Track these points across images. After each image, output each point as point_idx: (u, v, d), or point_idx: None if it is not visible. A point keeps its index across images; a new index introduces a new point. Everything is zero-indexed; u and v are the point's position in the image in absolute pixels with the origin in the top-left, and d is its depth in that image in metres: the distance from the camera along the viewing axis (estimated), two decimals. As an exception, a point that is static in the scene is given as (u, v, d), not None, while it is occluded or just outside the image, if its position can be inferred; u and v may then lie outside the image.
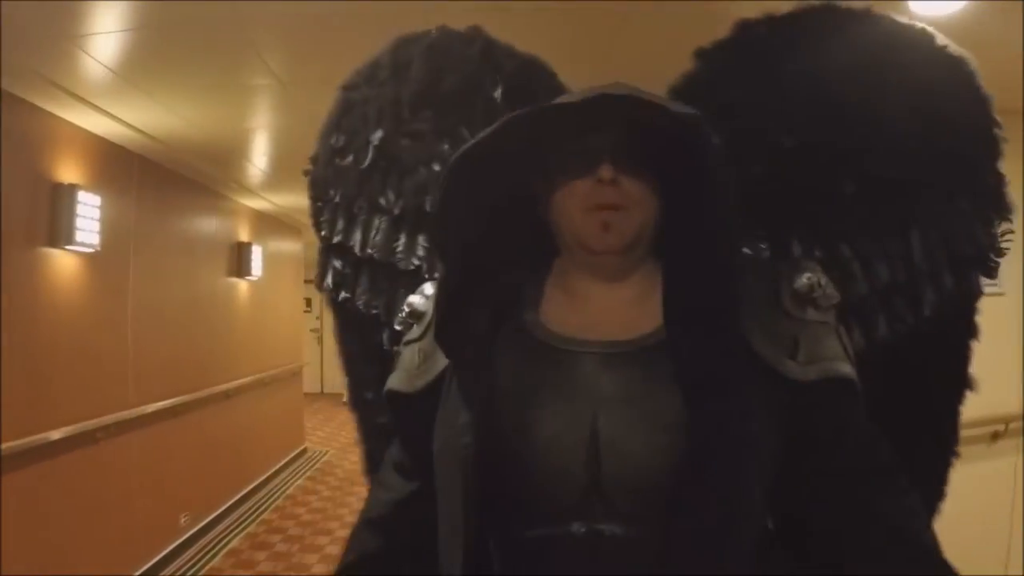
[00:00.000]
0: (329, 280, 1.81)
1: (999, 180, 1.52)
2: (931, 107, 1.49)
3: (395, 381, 1.50)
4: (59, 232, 4.49)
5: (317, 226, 1.82)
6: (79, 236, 4.59)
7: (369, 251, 1.74)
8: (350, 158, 1.77)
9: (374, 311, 1.75)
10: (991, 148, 1.51)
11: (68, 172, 4.64)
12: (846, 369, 1.33)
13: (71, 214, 4.53)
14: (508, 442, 1.29)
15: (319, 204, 1.82)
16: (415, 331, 1.51)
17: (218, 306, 7.15)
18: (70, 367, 4.68)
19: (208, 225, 6.92)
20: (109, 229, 5.01)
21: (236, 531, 6.73)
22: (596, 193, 1.29)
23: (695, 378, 1.25)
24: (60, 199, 4.51)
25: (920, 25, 1.53)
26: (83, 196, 4.64)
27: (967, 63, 1.51)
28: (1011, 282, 4.38)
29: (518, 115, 1.24)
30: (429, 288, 1.55)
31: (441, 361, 1.42)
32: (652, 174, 1.32)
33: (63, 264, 4.66)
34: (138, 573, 5.33)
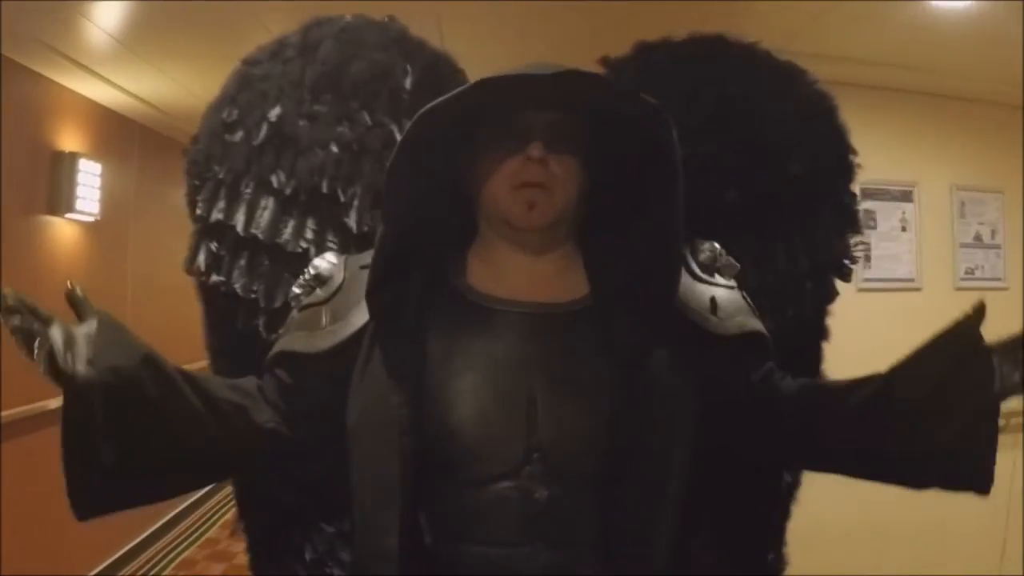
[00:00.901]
0: (201, 262, 1.73)
1: (852, 199, 1.83)
2: (799, 134, 1.74)
3: (292, 343, 1.45)
4: (59, 200, 4.46)
5: (192, 205, 1.76)
6: (79, 204, 4.57)
7: (253, 231, 1.68)
8: (240, 133, 1.70)
9: (252, 295, 1.69)
10: (847, 171, 1.81)
11: (69, 140, 4.60)
12: (758, 325, 1.48)
13: (72, 182, 4.51)
14: (441, 408, 1.31)
15: (196, 182, 1.76)
16: (319, 294, 1.48)
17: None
18: (68, 335, 4.61)
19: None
20: (109, 197, 4.98)
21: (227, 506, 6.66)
22: (523, 171, 1.33)
23: (625, 342, 1.33)
24: (61, 167, 4.48)
25: (794, 62, 1.81)
26: (84, 164, 4.61)
27: (829, 98, 1.80)
28: (1014, 277, 4.39)
29: (493, 78, 1.23)
30: (331, 256, 1.55)
31: (352, 325, 1.40)
32: (578, 155, 1.37)
33: (63, 232, 4.64)
34: (143, 536, 5.37)
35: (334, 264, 1.52)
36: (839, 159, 1.80)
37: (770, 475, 1.69)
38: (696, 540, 1.48)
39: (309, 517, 1.61)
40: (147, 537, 5.72)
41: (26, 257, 4.26)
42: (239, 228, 1.68)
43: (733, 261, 1.54)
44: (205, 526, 6.47)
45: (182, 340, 5.85)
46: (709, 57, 1.79)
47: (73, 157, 4.54)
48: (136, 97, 4.88)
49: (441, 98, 1.25)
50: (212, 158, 1.72)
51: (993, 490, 1.24)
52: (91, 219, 4.80)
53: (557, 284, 1.41)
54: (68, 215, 4.56)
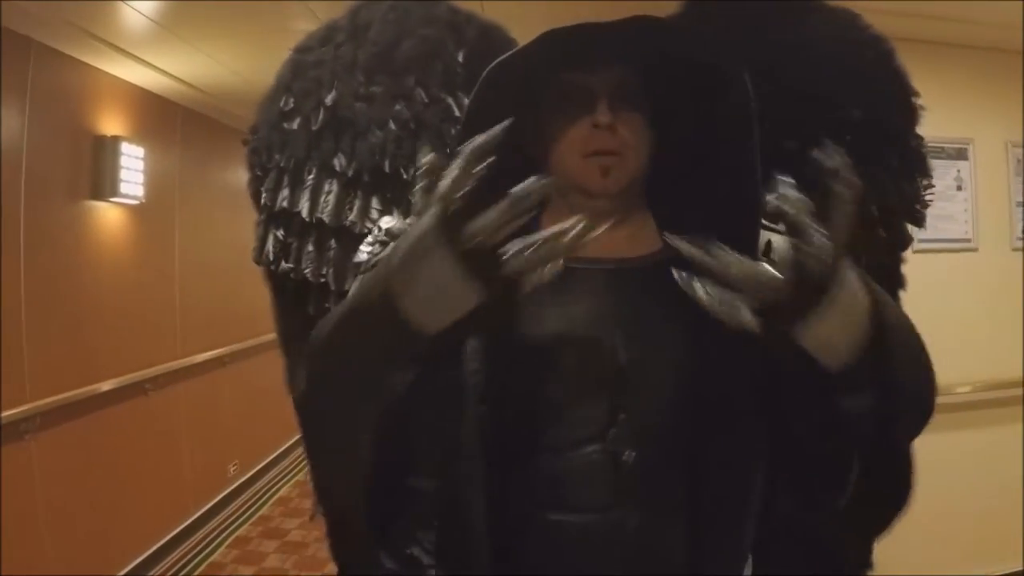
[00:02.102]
0: (269, 251, 1.74)
1: (919, 142, 1.77)
2: (859, 78, 1.70)
3: None
4: (103, 185, 4.49)
5: (256, 196, 1.77)
6: (123, 188, 4.59)
7: (319, 216, 1.69)
8: (298, 120, 1.72)
9: (322, 279, 1.69)
10: (911, 115, 1.76)
11: (111, 124, 4.62)
12: None
13: (115, 166, 4.52)
14: (522, 372, 1.29)
15: (259, 172, 1.76)
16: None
17: (264, 256, 7.04)
18: (118, 319, 4.71)
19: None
20: (153, 181, 5.01)
21: (285, 479, 6.76)
22: (593, 139, 1.29)
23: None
24: (103, 152, 4.50)
25: (848, 9, 1.78)
26: (126, 148, 4.63)
27: (885, 41, 1.76)
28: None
29: (556, 30, 1.20)
30: (394, 218, 1.53)
31: None
32: (645, 114, 1.33)
33: (108, 216, 4.67)
34: (188, 521, 5.39)
35: (404, 220, 1.49)
36: (901, 102, 1.76)
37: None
38: (785, 502, 1.41)
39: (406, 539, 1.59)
40: (225, 496, 5.84)
41: (71, 243, 4.31)
42: (304, 214, 1.69)
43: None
44: (278, 486, 6.59)
45: (231, 321, 5.96)
46: (761, 7, 1.76)
47: (115, 141, 4.55)
48: (176, 78, 4.88)
49: (509, 53, 1.23)
50: (273, 147, 1.74)
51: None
52: (136, 203, 4.83)
53: (632, 240, 1.38)
54: (112, 199, 4.59)
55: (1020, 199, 4.39)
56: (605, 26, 1.19)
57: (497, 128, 1.01)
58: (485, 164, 1.00)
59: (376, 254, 1.46)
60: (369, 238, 1.51)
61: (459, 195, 1.00)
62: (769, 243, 1.36)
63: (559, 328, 1.30)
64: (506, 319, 1.28)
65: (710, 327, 1.26)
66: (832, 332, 1.05)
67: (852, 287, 1.05)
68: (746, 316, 1.03)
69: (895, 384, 1.14)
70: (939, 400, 1.32)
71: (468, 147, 1.01)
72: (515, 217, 1.00)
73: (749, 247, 1.30)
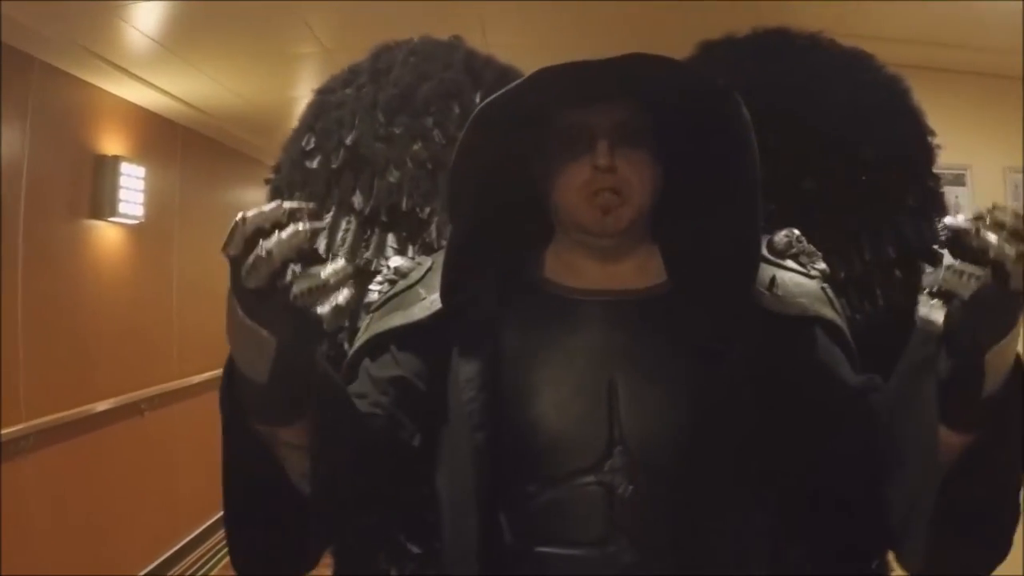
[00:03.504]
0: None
1: (936, 182, 1.77)
2: (874, 118, 1.70)
3: (387, 323, 1.40)
4: (103, 204, 4.48)
5: None
6: (123, 208, 4.58)
7: (335, 252, 1.71)
8: (319, 159, 1.77)
9: None
10: (927, 154, 1.76)
11: (111, 144, 4.62)
12: (829, 313, 1.39)
13: (114, 186, 4.52)
14: (519, 402, 1.30)
15: None
16: (403, 283, 1.48)
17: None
18: (115, 338, 4.69)
19: (253, 196, 6.75)
20: (153, 200, 5.00)
21: (280, 502, 6.65)
22: (594, 180, 1.29)
23: (702, 330, 1.30)
24: (103, 171, 4.50)
25: (860, 49, 1.79)
26: (126, 167, 4.63)
27: (901, 80, 1.77)
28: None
29: (552, 67, 1.20)
30: (403, 258, 1.57)
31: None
32: (649, 151, 1.33)
33: (107, 236, 4.66)
34: (183, 542, 5.37)
35: (412, 260, 1.55)
36: (918, 142, 1.76)
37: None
38: (795, 549, 1.39)
39: (396, 537, 1.57)
40: (220, 518, 5.72)
41: (70, 261, 4.30)
42: (321, 250, 1.71)
43: (813, 248, 1.49)
44: None
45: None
46: (774, 50, 1.78)
47: (115, 161, 4.55)
48: (177, 99, 4.89)
49: (498, 92, 1.23)
50: (294, 185, 1.78)
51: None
52: (135, 222, 4.82)
53: (637, 272, 1.39)
54: (112, 219, 4.58)
55: (1018, 225, 4.36)
56: (598, 64, 1.19)
57: (293, 205, 0.98)
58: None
59: (385, 293, 1.50)
60: (379, 277, 1.55)
61: (239, 243, 0.97)
62: (774, 277, 1.38)
63: (557, 359, 1.31)
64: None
65: (714, 361, 1.27)
66: (1008, 353, 1.03)
67: None
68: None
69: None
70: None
71: (268, 208, 0.97)
72: (289, 246, 0.95)
73: (750, 280, 1.34)
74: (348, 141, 1.74)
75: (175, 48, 3.99)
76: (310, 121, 1.81)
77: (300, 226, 0.95)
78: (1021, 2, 3.35)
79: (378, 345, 1.40)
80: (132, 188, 4.69)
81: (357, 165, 1.74)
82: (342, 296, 0.96)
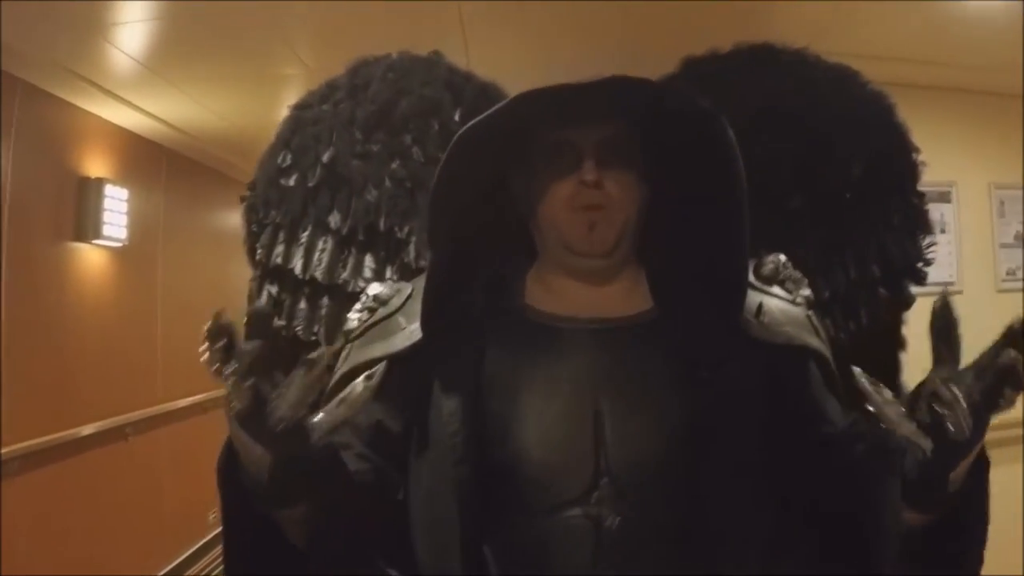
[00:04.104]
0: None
1: (921, 199, 1.77)
2: (860, 135, 1.70)
3: (368, 353, 1.39)
4: (86, 226, 4.45)
5: (252, 252, 1.77)
6: (107, 230, 4.56)
7: (312, 273, 1.69)
8: (295, 177, 1.73)
9: (313, 337, 1.68)
10: (911, 170, 1.75)
11: (95, 166, 4.60)
12: (815, 342, 1.39)
13: (98, 208, 4.50)
14: (503, 433, 1.27)
15: (255, 228, 1.76)
16: (382, 311, 1.46)
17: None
18: (99, 362, 4.65)
19: (238, 218, 6.70)
20: (137, 223, 4.97)
21: (266, 527, 6.61)
22: (579, 196, 1.29)
23: (691, 356, 1.28)
24: (87, 193, 4.47)
25: (846, 65, 1.78)
26: (110, 190, 4.61)
27: (886, 97, 1.76)
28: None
29: (533, 91, 1.19)
30: (383, 285, 1.55)
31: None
32: (635, 169, 1.33)
33: (91, 258, 4.63)
34: (166, 570, 5.30)
35: (392, 286, 1.52)
36: (902, 159, 1.75)
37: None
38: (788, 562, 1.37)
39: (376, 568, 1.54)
40: (205, 544, 5.73)
41: (53, 284, 4.26)
42: (298, 271, 1.69)
43: (800, 275, 1.49)
44: (214, 573, 6.43)
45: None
46: (759, 66, 1.77)
47: (99, 183, 4.53)
48: (162, 121, 4.87)
49: (478, 118, 1.22)
50: (270, 203, 1.75)
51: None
52: (119, 245, 4.79)
53: (624, 297, 1.37)
54: (95, 241, 4.55)
55: (1003, 241, 4.40)
56: (581, 87, 1.18)
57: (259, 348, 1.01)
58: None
59: (364, 321, 1.47)
60: (358, 305, 1.52)
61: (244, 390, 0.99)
62: (761, 305, 1.37)
63: (541, 388, 1.28)
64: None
65: (701, 389, 1.25)
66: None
67: None
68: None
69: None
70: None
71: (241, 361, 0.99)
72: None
73: (738, 307, 1.33)
74: (325, 158, 1.71)
75: (159, 70, 3.98)
76: (286, 137, 1.77)
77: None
78: (1005, 21, 3.38)
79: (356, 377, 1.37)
80: (116, 211, 4.66)
81: (334, 183, 1.71)
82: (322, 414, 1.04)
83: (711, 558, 1.22)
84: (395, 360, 1.33)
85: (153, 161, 5.41)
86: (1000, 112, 4.33)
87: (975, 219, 4.32)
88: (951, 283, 4.19)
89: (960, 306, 3.33)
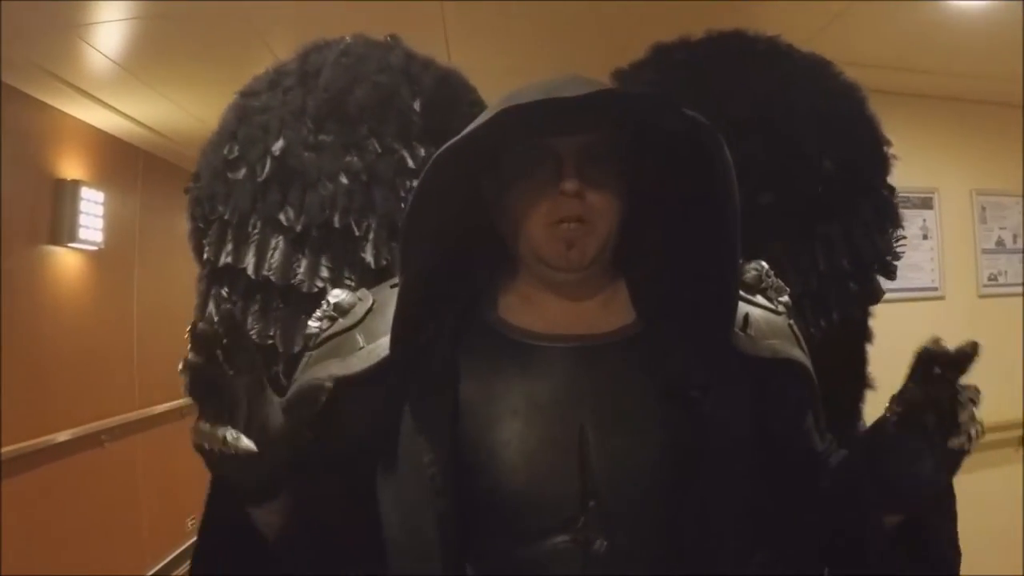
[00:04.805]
0: (212, 310, 1.64)
1: (891, 192, 1.73)
2: (831, 128, 1.67)
3: (324, 370, 1.32)
4: (62, 229, 4.41)
5: (198, 249, 1.68)
6: (82, 233, 4.52)
7: (265, 273, 1.59)
8: (243, 171, 1.62)
9: (269, 341, 1.59)
10: (883, 164, 1.72)
11: (71, 168, 4.55)
12: (798, 355, 1.34)
13: (74, 211, 4.45)
14: (484, 460, 1.21)
15: (201, 224, 1.67)
16: (342, 322, 1.37)
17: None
18: (74, 368, 4.60)
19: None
20: (113, 226, 4.93)
21: (244, 533, 6.57)
22: (558, 207, 1.21)
23: (676, 372, 1.23)
24: (63, 195, 4.43)
25: (819, 55, 1.74)
26: (86, 192, 4.57)
27: (858, 88, 1.73)
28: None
29: (516, 106, 1.12)
30: (344, 292, 1.46)
31: (385, 348, 1.28)
32: (616, 178, 1.25)
33: (66, 262, 4.58)
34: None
35: (354, 294, 1.43)
36: (873, 151, 1.72)
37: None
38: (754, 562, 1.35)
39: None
40: (183, 551, 5.64)
41: (28, 288, 4.21)
42: (250, 271, 1.59)
43: (782, 284, 1.44)
44: None
45: (190, 370, 5.85)
46: (730, 55, 1.72)
47: (75, 185, 4.49)
48: (139, 123, 4.83)
49: (459, 136, 1.14)
50: (216, 198, 1.64)
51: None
52: (94, 248, 4.75)
53: (601, 314, 1.30)
54: (71, 244, 4.51)
55: (985, 246, 4.42)
56: (564, 102, 1.10)
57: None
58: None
59: (324, 329, 1.39)
60: (318, 312, 1.43)
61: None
62: (747, 316, 1.32)
63: (521, 410, 1.22)
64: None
65: (688, 406, 1.21)
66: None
67: None
68: None
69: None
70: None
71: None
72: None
73: (728, 322, 1.27)
74: (275, 150, 1.60)
75: (136, 71, 3.94)
76: (232, 127, 1.66)
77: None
78: (988, 29, 3.39)
79: (312, 391, 1.32)
80: (92, 213, 4.62)
81: (285, 177, 1.59)
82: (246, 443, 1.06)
83: None
84: (348, 382, 1.28)
85: (129, 163, 5.37)
86: (982, 119, 4.36)
87: (957, 225, 4.34)
88: (934, 288, 4.21)
89: (943, 312, 3.36)
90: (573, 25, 3.50)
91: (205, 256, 1.65)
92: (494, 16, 3.48)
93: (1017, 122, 4.37)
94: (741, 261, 1.40)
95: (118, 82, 4.06)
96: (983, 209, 4.42)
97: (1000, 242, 4.45)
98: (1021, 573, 3.86)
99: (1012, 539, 3.95)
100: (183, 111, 4.61)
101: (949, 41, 3.58)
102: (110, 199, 4.86)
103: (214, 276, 1.65)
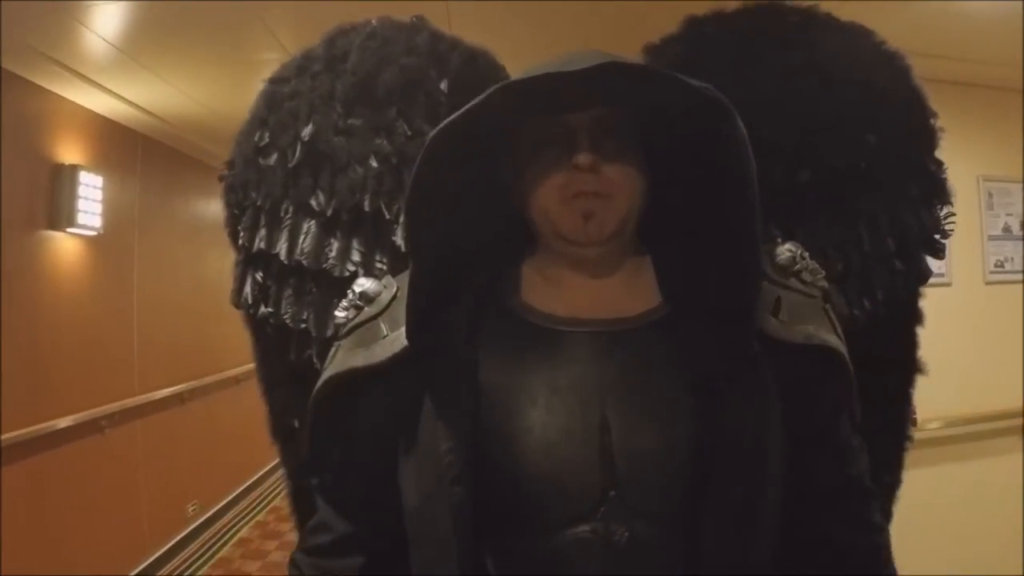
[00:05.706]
0: (248, 294, 1.66)
1: (939, 167, 1.63)
2: (873, 100, 1.57)
3: (348, 360, 1.33)
4: (60, 214, 4.39)
5: (234, 235, 1.68)
6: (81, 218, 4.49)
7: (297, 258, 1.59)
8: (275, 156, 1.62)
9: (302, 325, 1.60)
10: (929, 138, 1.62)
11: (69, 152, 4.52)
12: (833, 341, 1.29)
13: (72, 196, 4.43)
14: (504, 448, 1.19)
15: (236, 211, 1.67)
16: (368, 311, 1.38)
17: (226, 289, 6.81)
18: (74, 353, 4.58)
19: (215, 206, 6.60)
20: (112, 211, 4.90)
21: (245, 520, 6.62)
22: (574, 181, 1.19)
23: (702, 357, 1.20)
24: (61, 180, 4.40)
25: (859, 24, 1.65)
26: (85, 177, 4.53)
27: (901, 57, 1.63)
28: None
29: (510, 83, 1.10)
30: (370, 280, 1.46)
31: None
32: (635, 152, 1.23)
33: (65, 247, 4.55)
34: (145, 563, 5.23)
35: (379, 282, 1.42)
36: (919, 125, 1.62)
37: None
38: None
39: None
40: (183, 538, 5.70)
41: (27, 273, 4.19)
42: (283, 256, 1.60)
43: (817, 266, 1.38)
44: (238, 526, 6.48)
45: (190, 356, 5.86)
46: (765, 26, 1.63)
47: (73, 170, 4.46)
48: (137, 107, 4.79)
49: (455, 114, 1.12)
50: (249, 184, 1.64)
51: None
52: (93, 233, 4.72)
53: (625, 297, 1.27)
54: (69, 229, 4.49)
55: (992, 233, 4.39)
56: (569, 76, 1.07)
57: None
58: None
59: (351, 319, 1.39)
60: (344, 302, 1.43)
61: None
62: (779, 299, 1.28)
63: (543, 398, 1.20)
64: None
65: (714, 394, 1.17)
66: None
67: None
68: None
69: None
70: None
71: None
72: None
73: (751, 306, 1.23)
74: (304, 135, 1.59)
75: (135, 54, 3.89)
76: (262, 114, 1.66)
77: None
78: (997, 14, 3.36)
79: (339, 386, 1.34)
80: (90, 198, 4.59)
81: (315, 162, 1.59)
82: None
83: (723, 571, 1.16)
84: (373, 371, 1.29)
85: (128, 148, 5.34)
86: (989, 105, 4.32)
87: (964, 211, 4.25)
88: (940, 275, 4.18)
89: (949, 298, 3.33)
90: (578, 25, 3.48)
91: (240, 242, 1.66)
92: (499, 16, 3.45)
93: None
94: (779, 240, 1.39)
95: (116, 65, 4.02)
96: (989, 195, 4.39)
97: (1007, 228, 4.42)
98: (1022, 561, 3.87)
99: (1014, 526, 3.97)
100: (182, 95, 4.58)
101: (958, 26, 3.55)
102: (109, 184, 4.83)
103: (249, 261, 1.66)
